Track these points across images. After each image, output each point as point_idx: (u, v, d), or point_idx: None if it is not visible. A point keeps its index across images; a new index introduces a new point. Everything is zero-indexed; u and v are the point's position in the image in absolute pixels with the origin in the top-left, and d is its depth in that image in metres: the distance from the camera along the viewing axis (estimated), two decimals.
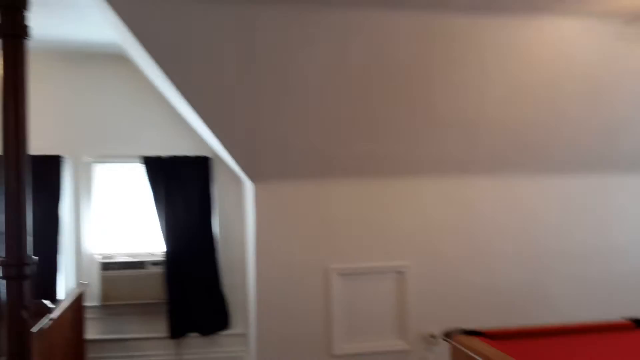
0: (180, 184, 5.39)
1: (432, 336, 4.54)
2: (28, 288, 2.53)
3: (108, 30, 3.88)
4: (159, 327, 5.41)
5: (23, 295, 2.48)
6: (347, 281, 4.63)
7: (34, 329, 3.60)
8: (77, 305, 4.93)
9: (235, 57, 3.81)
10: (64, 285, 5.27)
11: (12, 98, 2.41)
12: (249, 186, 4.69)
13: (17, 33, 2.40)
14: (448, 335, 3.39)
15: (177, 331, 5.40)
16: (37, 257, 2.63)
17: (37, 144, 5.17)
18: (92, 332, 5.31)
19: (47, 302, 4.05)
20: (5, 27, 2.39)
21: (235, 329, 5.53)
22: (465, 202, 4.82)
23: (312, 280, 4.60)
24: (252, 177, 4.52)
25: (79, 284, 5.22)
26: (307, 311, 4.60)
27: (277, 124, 4.20)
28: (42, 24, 4.32)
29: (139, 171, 5.42)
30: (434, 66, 4.07)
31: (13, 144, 2.42)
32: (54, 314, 4.07)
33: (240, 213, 5.41)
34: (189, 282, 5.39)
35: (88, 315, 5.24)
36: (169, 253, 5.36)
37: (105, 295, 5.34)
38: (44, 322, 3.84)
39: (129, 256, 5.47)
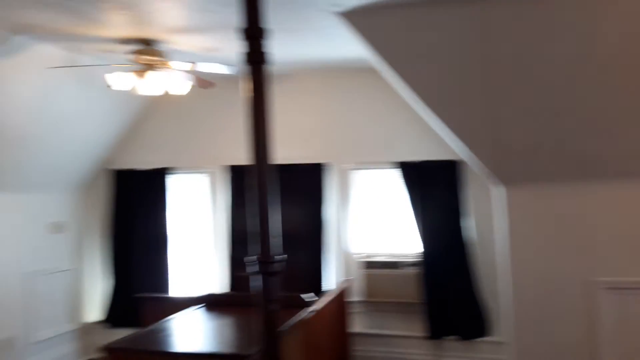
0: (433, 188, 5.46)
1: None
2: (276, 283, 2.82)
3: (355, 46, 4.13)
4: (418, 327, 5.54)
5: (271, 290, 2.77)
6: (616, 296, 4.10)
7: (295, 319, 4.05)
8: (341, 300, 5.35)
9: (475, 59, 3.72)
10: (331, 281, 5.76)
11: (258, 115, 2.75)
12: (498, 190, 4.49)
13: (258, 60, 2.73)
14: None
15: (435, 332, 5.45)
16: (285, 255, 2.87)
17: (305, 154, 5.84)
18: (357, 325, 5.70)
19: (305, 296, 4.51)
20: (250, 55, 2.74)
21: (494, 336, 5.35)
22: None
23: (573, 292, 4.20)
24: (503, 180, 4.33)
25: (344, 280, 5.65)
26: (569, 323, 4.22)
27: (525, 123, 3.95)
28: (301, 48, 4.83)
29: (394, 176, 5.63)
30: None
31: (259, 156, 2.75)
32: (317, 306, 4.49)
33: (490, 217, 5.21)
34: (445, 284, 5.41)
35: (354, 309, 5.64)
36: (424, 255, 5.45)
37: (368, 291, 5.69)
38: (305, 313, 4.27)
39: (388, 256, 5.73)
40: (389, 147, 5.68)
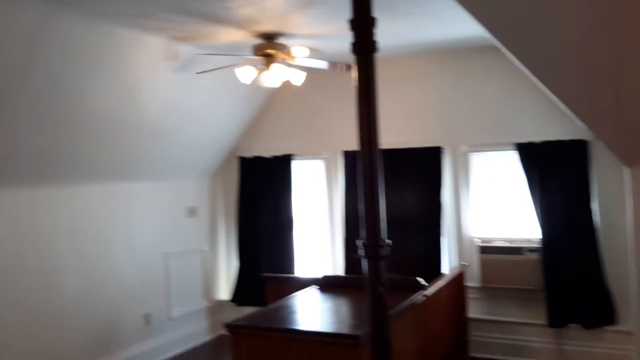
0: (555, 170, 5.23)
1: None
2: (383, 267, 2.88)
3: (471, 25, 4.06)
4: (537, 314, 5.37)
5: (379, 273, 2.85)
6: None
7: (407, 303, 4.12)
8: (457, 284, 5.32)
9: (598, 33, 3.51)
10: (447, 265, 5.74)
11: (365, 103, 2.81)
12: (625, 171, 4.23)
13: (367, 49, 2.80)
14: None
15: (556, 320, 5.26)
16: (390, 241, 2.90)
17: (421, 137, 5.84)
18: (474, 311, 5.64)
19: (420, 280, 4.55)
20: (358, 45, 2.82)
21: (621, 325, 5.06)
22: None
23: None
24: (628, 161, 4.07)
25: (460, 265, 5.61)
26: None
27: None
28: (414, 31, 4.84)
29: (514, 158, 5.46)
30: None
31: (367, 142, 2.82)
32: (430, 291, 4.52)
33: (622, 200, 4.88)
34: (568, 271, 5.19)
35: (470, 294, 5.58)
36: (545, 240, 5.27)
37: (485, 277, 5.59)
38: (418, 297, 4.32)
39: (506, 241, 5.59)
40: (510, 129, 5.50)
